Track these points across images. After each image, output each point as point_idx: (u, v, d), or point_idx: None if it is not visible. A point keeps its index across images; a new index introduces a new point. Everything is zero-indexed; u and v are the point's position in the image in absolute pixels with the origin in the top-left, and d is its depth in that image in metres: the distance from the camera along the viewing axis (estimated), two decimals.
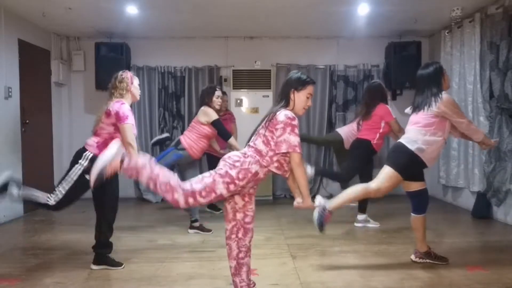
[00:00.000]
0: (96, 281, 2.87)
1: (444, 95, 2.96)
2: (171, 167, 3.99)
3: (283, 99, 2.30)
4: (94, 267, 3.08)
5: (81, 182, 2.84)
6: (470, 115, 4.90)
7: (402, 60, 5.88)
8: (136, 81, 3.10)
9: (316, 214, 2.91)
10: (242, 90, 6.00)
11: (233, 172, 2.14)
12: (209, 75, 6.21)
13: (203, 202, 2.18)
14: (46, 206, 2.84)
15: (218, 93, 4.04)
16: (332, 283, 2.79)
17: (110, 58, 5.79)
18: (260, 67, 6.06)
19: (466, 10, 4.83)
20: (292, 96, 2.27)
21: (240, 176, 2.14)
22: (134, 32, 5.84)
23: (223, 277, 2.87)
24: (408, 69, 5.85)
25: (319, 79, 6.23)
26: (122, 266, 3.10)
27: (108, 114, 2.90)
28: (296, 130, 2.16)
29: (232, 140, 4.03)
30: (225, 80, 6.24)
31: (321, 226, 2.92)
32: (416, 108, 3.05)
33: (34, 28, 5.41)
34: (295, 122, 2.17)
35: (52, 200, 2.82)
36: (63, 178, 2.87)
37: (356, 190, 3.07)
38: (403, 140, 3.02)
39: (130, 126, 2.88)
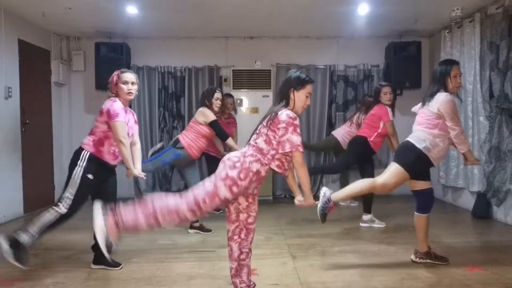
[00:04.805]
0: (96, 281, 2.87)
1: (443, 95, 2.94)
2: (170, 166, 3.99)
3: (283, 99, 2.29)
4: (93, 266, 3.10)
5: (85, 183, 2.85)
6: (470, 115, 4.90)
7: (402, 60, 5.88)
8: (122, 79, 2.97)
9: (320, 204, 2.91)
10: (242, 90, 6.00)
11: (234, 173, 2.12)
12: (209, 75, 6.21)
13: (209, 209, 2.14)
14: (61, 218, 2.80)
15: (217, 95, 4.04)
16: (332, 283, 2.79)
17: (110, 58, 5.79)
18: (260, 67, 6.06)
19: (466, 10, 4.83)
20: (291, 95, 2.28)
21: (242, 176, 2.13)
22: (134, 32, 5.84)
23: (223, 277, 2.88)
24: (408, 69, 5.88)
25: (319, 79, 6.23)
26: (120, 267, 3.09)
27: (101, 112, 2.93)
28: (298, 130, 2.18)
29: (230, 141, 4.03)
30: (225, 80, 6.24)
31: (324, 216, 2.94)
32: (422, 103, 3.11)
33: (34, 28, 5.41)
34: (297, 122, 2.18)
35: (62, 208, 2.79)
36: (67, 183, 2.86)
37: (362, 183, 3.08)
38: (411, 138, 3.03)
39: (122, 123, 2.87)
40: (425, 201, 3.12)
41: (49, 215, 2.79)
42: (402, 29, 5.80)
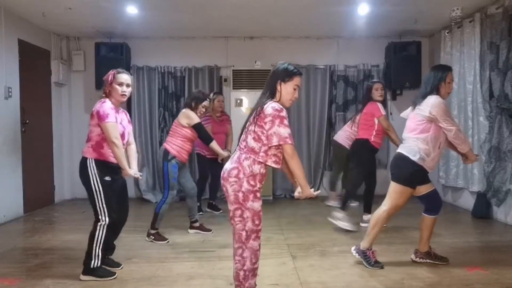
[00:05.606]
0: (96, 281, 2.87)
1: (433, 98, 2.92)
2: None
3: (268, 90, 2.24)
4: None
5: (107, 186, 2.88)
6: (470, 115, 4.90)
7: (402, 60, 5.89)
8: (117, 80, 2.93)
9: (364, 263, 3.09)
10: (242, 90, 6.00)
11: (246, 185, 2.12)
12: (209, 75, 6.21)
13: (261, 226, 2.20)
14: (108, 227, 2.87)
15: (206, 103, 4.02)
16: (332, 283, 2.79)
17: (110, 58, 5.80)
18: (260, 67, 6.06)
19: (466, 10, 4.84)
20: (278, 87, 2.22)
21: (252, 182, 2.13)
22: (134, 32, 5.84)
23: (223, 277, 2.88)
24: (408, 69, 5.88)
25: (319, 79, 6.24)
26: (120, 267, 3.09)
27: (92, 115, 2.89)
28: (286, 122, 2.12)
29: (213, 144, 3.98)
30: (225, 80, 6.24)
31: (376, 263, 3.07)
32: (412, 105, 3.11)
33: (34, 28, 5.41)
34: (283, 114, 2.12)
35: (103, 219, 2.85)
36: (91, 197, 2.86)
37: (378, 219, 3.07)
38: (403, 150, 3.02)
39: (113, 124, 2.84)
40: (432, 203, 3.11)
41: (98, 233, 2.86)
42: (402, 29, 5.80)
